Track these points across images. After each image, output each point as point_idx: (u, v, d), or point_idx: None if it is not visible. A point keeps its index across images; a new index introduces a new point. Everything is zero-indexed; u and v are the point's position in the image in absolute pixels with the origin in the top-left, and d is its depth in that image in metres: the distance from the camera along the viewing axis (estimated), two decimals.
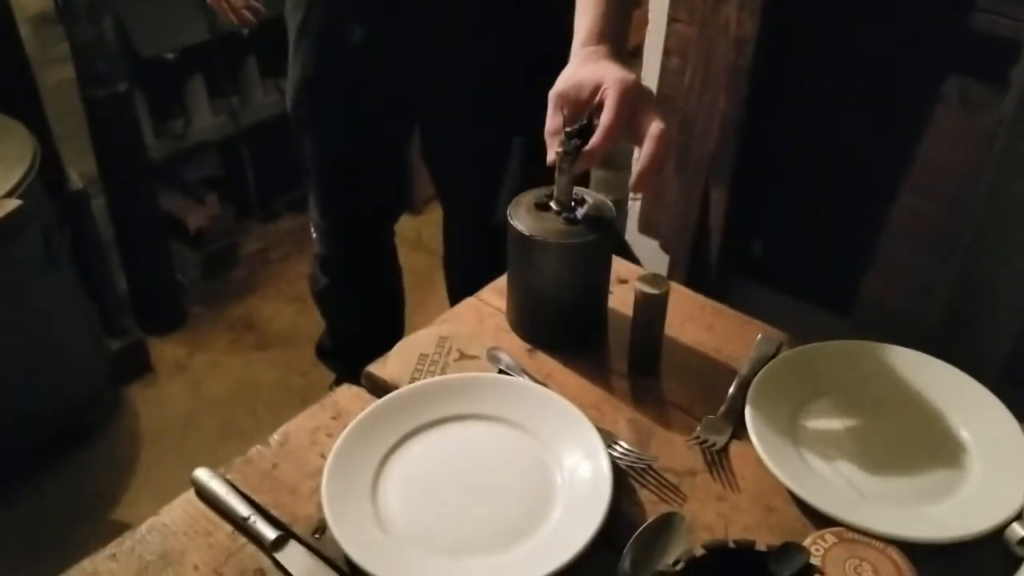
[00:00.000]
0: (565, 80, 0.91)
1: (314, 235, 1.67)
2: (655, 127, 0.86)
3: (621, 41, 0.97)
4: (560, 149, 0.90)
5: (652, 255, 1.82)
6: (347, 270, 1.70)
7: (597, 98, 0.88)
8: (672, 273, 1.74)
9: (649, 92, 0.91)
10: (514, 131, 1.39)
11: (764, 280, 1.68)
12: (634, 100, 0.87)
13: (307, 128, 1.53)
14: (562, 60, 0.95)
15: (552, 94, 0.91)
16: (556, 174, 0.93)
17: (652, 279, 0.93)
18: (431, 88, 1.44)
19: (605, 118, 0.87)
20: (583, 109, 0.89)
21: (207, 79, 2.34)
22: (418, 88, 1.45)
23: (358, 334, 1.76)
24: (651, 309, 0.93)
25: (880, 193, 1.44)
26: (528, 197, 0.98)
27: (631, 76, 0.89)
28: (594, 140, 0.88)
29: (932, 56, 1.30)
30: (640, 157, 0.87)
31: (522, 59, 1.34)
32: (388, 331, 1.78)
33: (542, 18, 1.34)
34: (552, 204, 0.95)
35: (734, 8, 1.44)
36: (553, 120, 0.90)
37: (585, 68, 0.91)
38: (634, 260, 1.69)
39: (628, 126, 0.88)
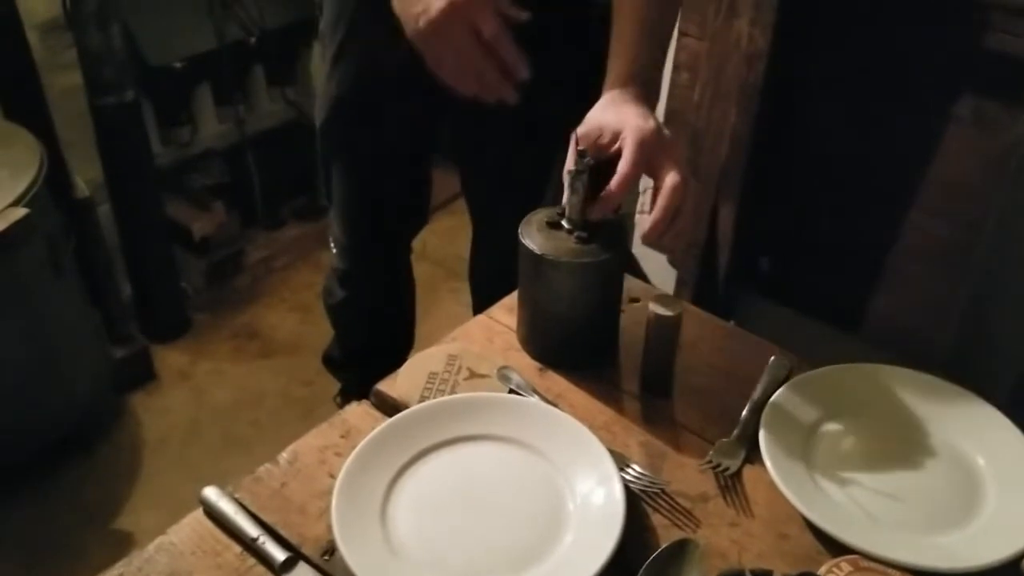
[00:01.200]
0: (588, 123, 0.92)
1: (334, 250, 1.65)
2: (670, 179, 0.88)
3: (652, 84, 0.99)
4: (572, 167, 0.90)
5: (659, 269, 1.82)
6: (365, 286, 1.69)
7: (616, 145, 0.90)
8: (680, 288, 1.74)
9: (670, 140, 0.92)
10: (555, 151, 1.37)
11: (772, 296, 1.67)
12: (652, 148, 0.89)
13: (337, 149, 1.50)
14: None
15: (574, 135, 0.93)
16: (568, 193, 0.93)
17: (666, 300, 0.92)
18: (472, 107, 1.42)
19: (621, 167, 0.88)
20: (603, 152, 0.91)
21: (214, 87, 2.34)
22: (462, 105, 1.43)
23: (369, 347, 1.75)
24: (664, 331, 0.92)
25: (891, 211, 1.44)
26: (540, 215, 0.97)
27: (651, 124, 0.90)
28: (610, 187, 0.90)
29: (946, 74, 1.29)
30: (654, 209, 0.89)
31: (564, 81, 1.33)
32: (398, 344, 1.77)
33: (585, 40, 1.33)
34: (564, 223, 0.95)
35: (746, 24, 1.44)
36: (573, 160, 0.92)
37: (608, 113, 0.93)
38: (641, 274, 1.69)
39: (647, 171, 0.90)
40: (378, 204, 1.56)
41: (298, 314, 2.36)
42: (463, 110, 1.44)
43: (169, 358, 2.22)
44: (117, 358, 2.08)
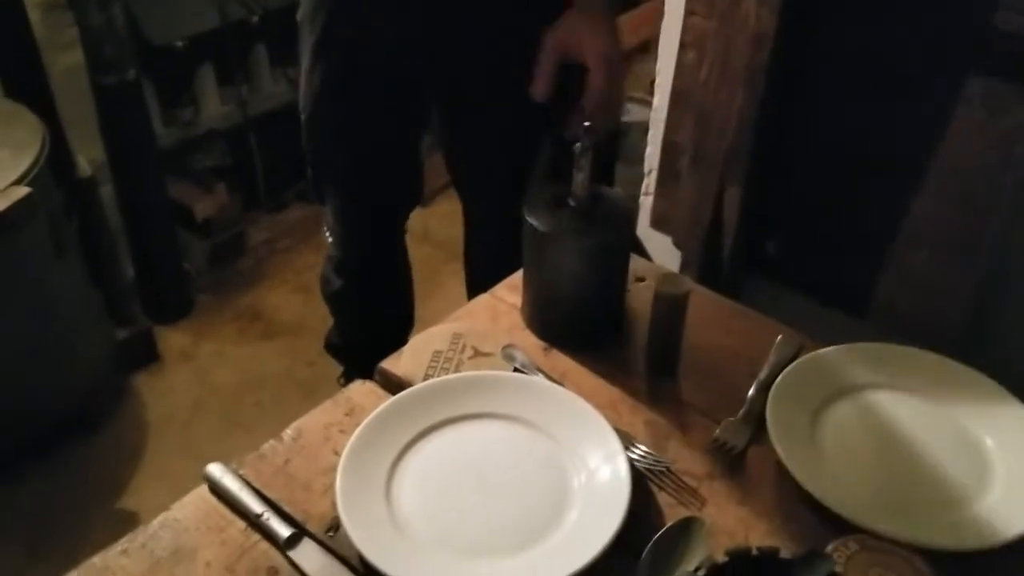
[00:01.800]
0: (557, 34, 1.15)
1: (329, 239, 1.64)
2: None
3: None
4: (578, 145, 0.90)
5: (664, 251, 1.81)
6: (362, 273, 1.67)
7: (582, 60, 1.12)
8: (684, 270, 1.73)
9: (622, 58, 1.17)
10: (545, 127, 1.35)
11: (777, 279, 1.66)
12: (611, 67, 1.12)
13: (326, 139, 1.48)
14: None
15: (548, 41, 1.16)
16: (574, 170, 0.92)
17: (672, 279, 0.92)
18: (462, 85, 1.41)
19: (593, 80, 1.13)
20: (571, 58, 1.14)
21: (216, 67, 2.33)
22: (449, 87, 1.42)
23: (369, 333, 1.75)
24: (671, 310, 0.92)
25: (898, 195, 1.42)
26: (545, 193, 0.97)
27: (614, 48, 1.13)
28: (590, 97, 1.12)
29: (955, 56, 1.28)
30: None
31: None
32: (399, 328, 1.77)
33: None
34: (569, 200, 0.94)
35: (753, 3, 1.42)
36: (547, 64, 1.17)
37: (572, 32, 1.15)
38: (646, 256, 1.68)
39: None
40: (371, 190, 1.54)
41: (301, 295, 2.36)
42: (450, 91, 1.43)
43: (172, 339, 2.22)
44: (120, 339, 2.08)
